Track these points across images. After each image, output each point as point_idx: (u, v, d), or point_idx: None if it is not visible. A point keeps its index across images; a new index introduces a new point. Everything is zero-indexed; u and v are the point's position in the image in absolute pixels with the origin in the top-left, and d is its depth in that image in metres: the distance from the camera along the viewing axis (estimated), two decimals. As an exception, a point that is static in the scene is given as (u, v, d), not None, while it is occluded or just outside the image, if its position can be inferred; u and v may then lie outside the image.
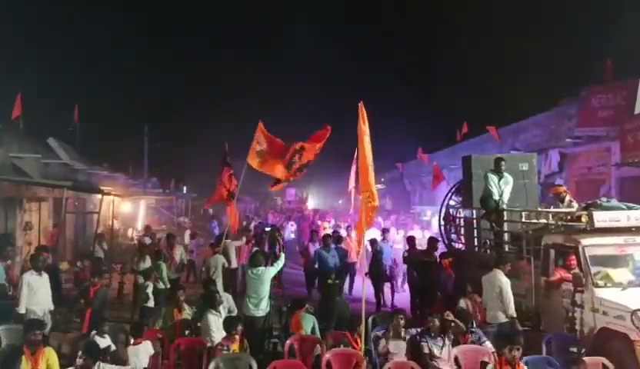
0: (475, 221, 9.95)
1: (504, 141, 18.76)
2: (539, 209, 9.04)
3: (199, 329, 6.91)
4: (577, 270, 6.80)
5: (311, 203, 45.37)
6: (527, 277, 7.70)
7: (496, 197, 8.85)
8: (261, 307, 7.49)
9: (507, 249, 8.62)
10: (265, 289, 7.56)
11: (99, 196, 14.64)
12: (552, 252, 7.41)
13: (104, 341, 6.04)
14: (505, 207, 8.87)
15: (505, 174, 8.98)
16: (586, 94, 13.48)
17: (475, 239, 9.82)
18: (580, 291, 6.62)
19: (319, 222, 20.96)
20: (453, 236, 11.03)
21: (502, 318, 6.95)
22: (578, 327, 6.61)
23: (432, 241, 10.42)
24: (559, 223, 7.73)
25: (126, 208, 21.68)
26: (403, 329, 6.38)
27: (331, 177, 43.28)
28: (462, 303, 7.53)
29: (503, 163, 9.03)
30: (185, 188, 34.96)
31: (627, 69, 13.01)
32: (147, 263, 9.90)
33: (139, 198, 22.29)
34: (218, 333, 6.60)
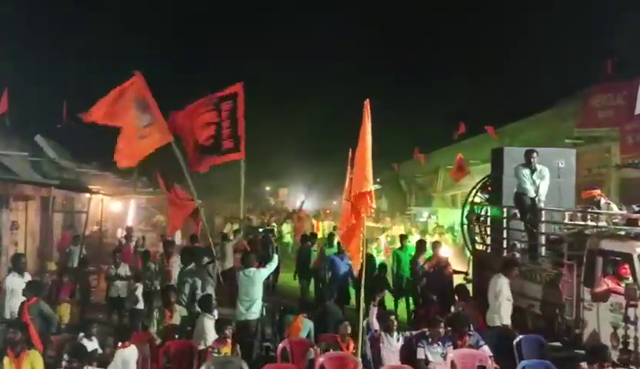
0: (504, 220, 9.04)
1: (502, 142, 18.79)
2: (579, 210, 8.40)
3: (191, 332, 6.86)
4: (630, 282, 6.22)
5: (305, 204, 45.36)
6: (566, 285, 6.98)
7: (531, 194, 8.06)
8: (253, 310, 7.44)
9: (543, 253, 7.98)
10: (257, 291, 7.52)
11: (88, 195, 14.52)
12: (600, 259, 6.64)
13: (91, 344, 5.97)
14: (542, 205, 8.09)
15: (540, 167, 8.17)
16: (586, 94, 13.54)
17: (504, 241, 9.03)
18: (634, 306, 6.00)
19: (314, 222, 20.92)
20: (477, 237, 10.23)
21: (498, 322, 6.97)
22: (631, 346, 6.01)
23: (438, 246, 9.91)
24: (612, 226, 7.22)
25: (116, 208, 21.53)
26: (396, 332, 6.45)
27: (326, 176, 43.25)
28: (458, 306, 7.56)
29: (535, 155, 8.20)
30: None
31: (627, 69, 13.07)
32: (123, 269, 9.72)
33: (129, 197, 22.13)
34: (213, 337, 6.56)
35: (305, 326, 7.09)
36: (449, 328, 6.34)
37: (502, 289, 7.08)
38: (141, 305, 8.74)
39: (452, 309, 7.67)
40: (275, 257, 8.15)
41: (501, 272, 7.30)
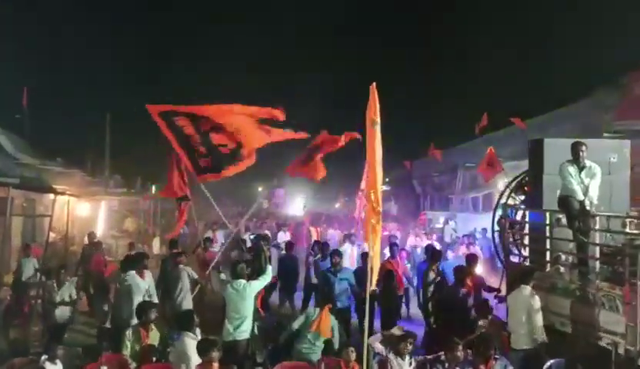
0: (546, 227, 8.50)
1: (526, 137, 18.82)
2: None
3: (168, 355, 6.85)
4: None
5: (302, 207, 45.31)
6: (629, 308, 6.45)
7: (579, 196, 7.58)
8: (243, 329, 7.44)
9: (597, 268, 7.45)
10: (248, 307, 7.52)
11: (52, 196, 14.52)
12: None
13: (55, 368, 5.98)
14: (594, 209, 7.61)
15: (590, 164, 7.70)
16: (627, 82, 13.56)
17: (547, 253, 8.47)
18: None
19: (312, 228, 20.86)
20: (512, 247, 9.70)
21: (529, 344, 6.97)
22: None
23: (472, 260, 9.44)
24: None
25: (84, 211, 21.52)
26: (408, 356, 6.46)
27: (329, 175, 43.16)
28: (482, 325, 7.55)
29: (584, 148, 7.67)
30: (153, 188, 34.81)
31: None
32: (67, 289, 9.42)
33: (99, 199, 22.14)
34: (196, 360, 6.55)
35: (333, 320, 7.43)
36: (469, 351, 6.33)
37: (531, 303, 7.07)
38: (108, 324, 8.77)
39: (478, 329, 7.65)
40: (269, 268, 8.14)
41: (523, 283, 7.29)
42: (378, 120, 6.45)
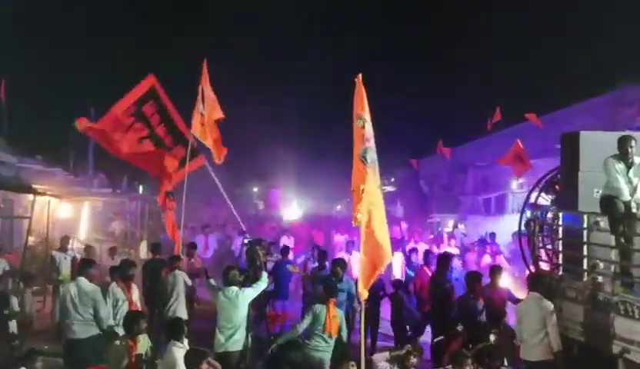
0: (584, 232, 8.15)
1: (544, 133, 18.83)
2: None
3: (156, 366, 6.85)
4: None
5: (299, 210, 45.31)
6: None
7: (625, 196, 7.20)
8: (236, 339, 7.45)
9: None
10: (241, 316, 7.53)
11: (31, 197, 14.52)
12: None
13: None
14: None
15: (638, 160, 7.35)
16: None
17: (584, 260, 8.11)
18: None
19: (314, 233, 20.88)
20: (541, 254, 9.37)
21: (544, 355, 6.97)
22: None
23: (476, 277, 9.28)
24: None
25: (66, 212, 21.52)
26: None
27: (325, 175, 43.25)
28: (492, 337, 7.58)
29: (633, 143, 7.28)
30: (141, 188, 34.82)
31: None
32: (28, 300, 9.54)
33: (82, 200, 22.14)
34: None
35: (340, 315, 7.71)
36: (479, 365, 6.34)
37: (544, 312, 7.08)
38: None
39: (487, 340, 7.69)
40: (264, 275, 8.15)
41: (537, 291, 7.30)
42: (366, 116, 6.50)
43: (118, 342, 7.11)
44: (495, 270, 9.29)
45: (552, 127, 18.32)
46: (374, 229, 6.77)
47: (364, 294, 6.81)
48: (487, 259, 13.37)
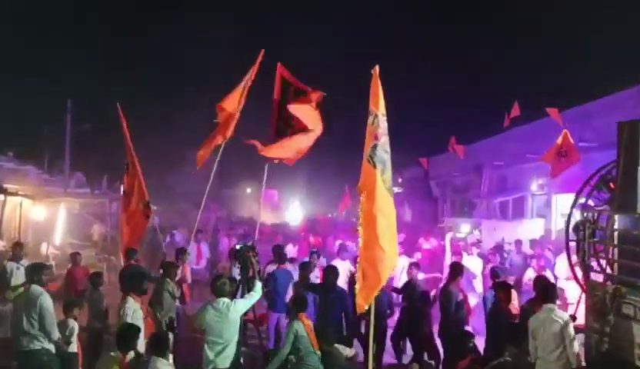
0: None
1: (567, 129, 18.86)
2: None
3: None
4: None
5: (298, 213, 45.36)
6: None
7: None
8: (226, 356, 7.47)
9: None
10: (232, 331, 7.54)
11: (1, 197, 14.57)
12: None
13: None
14: None
15: None
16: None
17: None
18: None
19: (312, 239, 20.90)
20: (593, 262, 8.78)
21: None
22: None
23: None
24: None
25: (40, 214, 21.57)
26: None
27: (327, 176, 43.37)
28: (509, 353, 7.61)
29: None
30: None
31: None
32: None
33: (58, 201, 22.19)
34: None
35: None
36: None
37: (562, 325, 7.12)
38: (74, 347, 8.79)
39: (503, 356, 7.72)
40: (258, 284, 8.17)
41: (547, 301, 7.35)
42: (380, 111, 6.57)
43: (114, 353, 7.17)
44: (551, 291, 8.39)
45: (576, 124, 18.38)
46: (378, 236, 6.82)
47: (362, 307, 6.88)
48: (530, 274, 13.08)
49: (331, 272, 10.07)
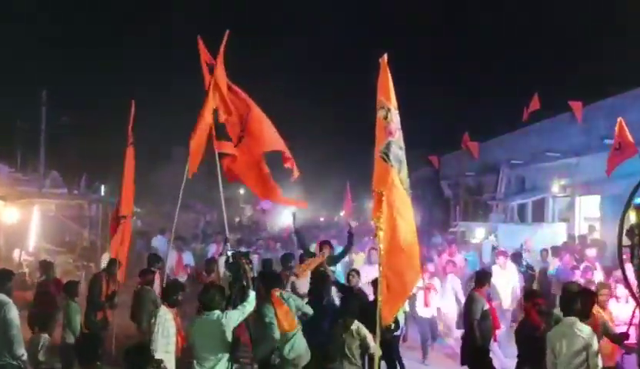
0: None
1: (590, 125, 18.87)
2: None
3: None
4: None
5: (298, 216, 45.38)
6: None
7: None
8: (216, 372, 7.47)
9: None
10: (223, 344, 7.52)
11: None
12: None
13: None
14: None
15: None
16: None
17: None
18: None
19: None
20: None
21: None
22: None
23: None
24: None
25: (12, 217, 21.55)
26: None
27: (329, 176, 43.32)
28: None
29: None
30: (102, 188, 34.83)
31: None
32: None
33: (32, 202, 22.16)
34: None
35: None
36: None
37: (587, 341, 7.10)
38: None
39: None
40: (251, 294, 8.14)
41: (569, 313, 7.31)
42: (391, 104, 6.55)
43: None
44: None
45: (599, 120, 18.37)
46: (399, 241, 6.81)
47: (388, 320, 6.91)
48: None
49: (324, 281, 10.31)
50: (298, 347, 8.49)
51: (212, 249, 18.43)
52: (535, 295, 9.31)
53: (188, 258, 17.02)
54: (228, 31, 9.93)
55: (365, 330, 8.24)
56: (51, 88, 30.68)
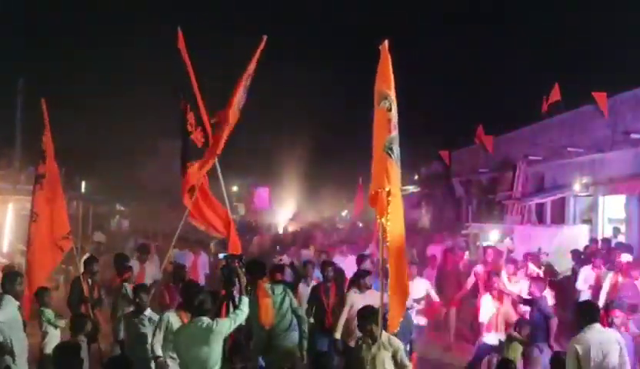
0: None
1: (615, 119, 18.83)
2: None
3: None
4: None
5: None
6: None
7: None
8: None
9: None
10: (213, 353, 7.52)
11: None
12: None
13: None
14: None
15: None
16: None
17: None
18: None
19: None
20: None
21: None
22: None
23: None
24: None
25: (-16, 216, 21.61)
26: None
27: (329, 173, 43.35)
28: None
29: None
30: (83, 185, 34.85)
31: None
32: None
33: (6, 199, 22.20)
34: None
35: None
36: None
37: (618, 346, 7.17)
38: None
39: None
40: (244, 300, 8.14)
41: (590, 321, 7.33)
42: (392, 94, 6.54)
43: None
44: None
45: (627, 112, 18.36)
46: (402, 243, 6.87)
47: (394, 326, 7.03)
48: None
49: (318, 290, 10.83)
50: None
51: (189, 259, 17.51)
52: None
53: (153, 271, 15.96)
54: (264, 37, 10.32)
55: (397, 342, 7.80)
56: (28, 75, 30.72)
